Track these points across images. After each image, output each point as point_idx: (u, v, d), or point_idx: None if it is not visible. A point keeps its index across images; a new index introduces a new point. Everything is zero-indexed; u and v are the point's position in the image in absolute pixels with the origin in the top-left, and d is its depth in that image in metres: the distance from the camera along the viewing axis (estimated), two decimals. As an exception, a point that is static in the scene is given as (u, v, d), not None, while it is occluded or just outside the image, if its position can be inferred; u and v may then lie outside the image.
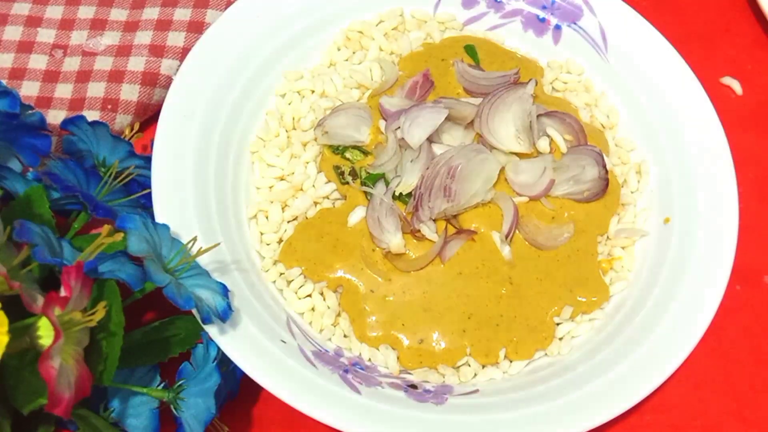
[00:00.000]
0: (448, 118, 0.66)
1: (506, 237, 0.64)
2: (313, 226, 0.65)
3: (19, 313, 0.45)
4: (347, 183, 0.66)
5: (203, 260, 0.57)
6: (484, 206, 0.65)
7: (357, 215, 0.64)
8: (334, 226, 0.64)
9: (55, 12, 0.78)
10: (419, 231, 0.63)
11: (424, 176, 0.63)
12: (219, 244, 0.59)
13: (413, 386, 0.59)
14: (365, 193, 0.65)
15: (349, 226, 0.64)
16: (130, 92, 0.72)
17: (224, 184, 0.65)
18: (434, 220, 0.64)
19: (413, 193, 0.64)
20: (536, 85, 0.68)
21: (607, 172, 0.67)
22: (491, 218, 0.65)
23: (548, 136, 0.68)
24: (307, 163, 0.67)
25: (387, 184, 0.65)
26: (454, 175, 0.63)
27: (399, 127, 0.66)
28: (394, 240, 0.63)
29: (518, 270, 0.64)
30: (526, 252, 0.64)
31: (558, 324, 0.64)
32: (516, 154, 0.67)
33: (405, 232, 0.63)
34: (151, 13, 0.77)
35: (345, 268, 0.63)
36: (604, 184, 0.67)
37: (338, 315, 0.63)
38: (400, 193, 0.64)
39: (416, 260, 0.63)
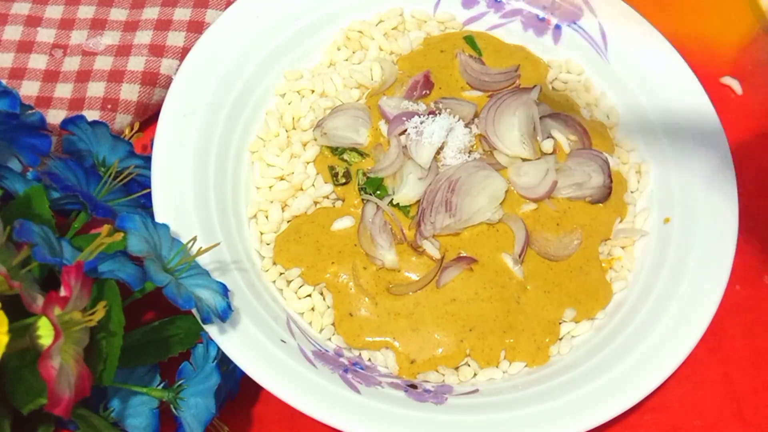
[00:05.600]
0: (448, 118, 0.66)
1: (519, 257, 0.63)
2: (290, 228, 0.65)
3: (19, 313, 0.45)
4: (340, 184, 0.66)
5: (203, 260, 0.57)
6: (490, 227, 0.65)
7: (343, 222, 0.64)
8: (314, 227, 0.64)
9: (54, 12, 0.78)
10: (421, 246, 0.63)
11: (427, 191, 0.63)
12: (219, 243, 0.59)
13: (413, 386, 0.59)
14: (361, 198, 0.65)
15: (331, 230, 0.64)
16: (130, 92, 0.72)
17: (224, 183, 0.65)
18: (436, 237, 0.64)
19: (417, 208, 0.64)
20: (540, 91, 0.69)
21: (611, 180, 0.67)
22: (499, 241, 0.64)
23: (552, 137, 0.68)
24: (307, 162, 0.67)
25: (385, 191, 0.65)
26: (454, 188, 0.63)
27: (402, 133, 0.66)
28: (389, 256, 0.62)
29: (530, 289, 0.64)
30: (537, 268, 0.64)
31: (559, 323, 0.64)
32: (520, 158, 0.67)
33: (401, 243, 0.63)
34: (150, 12, 0.77)
35: (335, 273, 0.63)
36: (607, 192, 0.67)
37: (338, 315, 0.63)
38: (398, 203, 0.64)
39: (410, 284, 0.62)
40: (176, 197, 0.61)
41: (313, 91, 0.71)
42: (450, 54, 0.73)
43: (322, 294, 0.63)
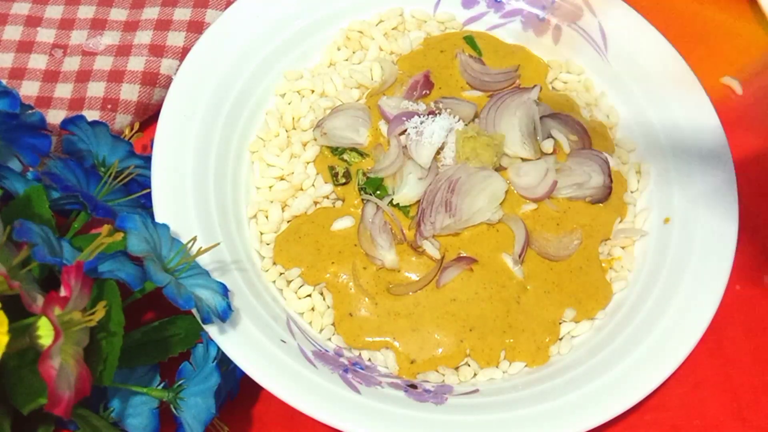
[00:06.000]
0: (448, 118, 0.66)
1: (519, 257, 0.63)
2: (290, 228, 0.65)
3: (19, 313, 0.45)
4: (340, 184, 0.66)
5: (203, 260, 0.57)
6: (490, 227, 0.65)
7: (342, 223, 0.64)
8: (314, 227, 0.64)
9: (54, 12, 0.78)
10: (421, 247, 0.63)
11: (427, 191, 0.63)
12: (219, 244, 0.59)
13: (413, 386, 0.59)
14: (361, 198, 0.65)
15: (331, 230, 0.64)
16: (130, 92, 0.72)
17: (224, 183, 0.65)
18: (436, 237, 0.64)
19: (417, 208, 0.64)
20: (540, 90, 0.69)
21: (611, 180, 0.67)
22: (499, 241, 0.64)
23: (552, 137, 0.68)
24: (307, 162, 0.67)
25: (385, 191, 0.65)
26: (454, 188, 0.63)
27: (401, 133, 0.66)
28: (389, 256, 0.62)
29: (530, 289, 0.63)
30: (537, 268, 0.64)
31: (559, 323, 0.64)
32: (520, 158, 0.67)
33: (401, 243, 0.63)
34: (150, 12, 0.77)
35: (335, 273, 0.63)
36: (608, 192, 0.67)
37: (338, 315, 0.63)
38: (398, 203, 0.64)
39: (410, 284, 0.62)
40: (176, 197, 0.61)
41: (313, 91, 0.71)
42: (450, 54, 0.73)
43: (322, 294, 0.63)
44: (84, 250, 0.51)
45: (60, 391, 0.44)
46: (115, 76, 0.73)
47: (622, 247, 0.68)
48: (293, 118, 0.70)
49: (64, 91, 0.73)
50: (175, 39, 0.75)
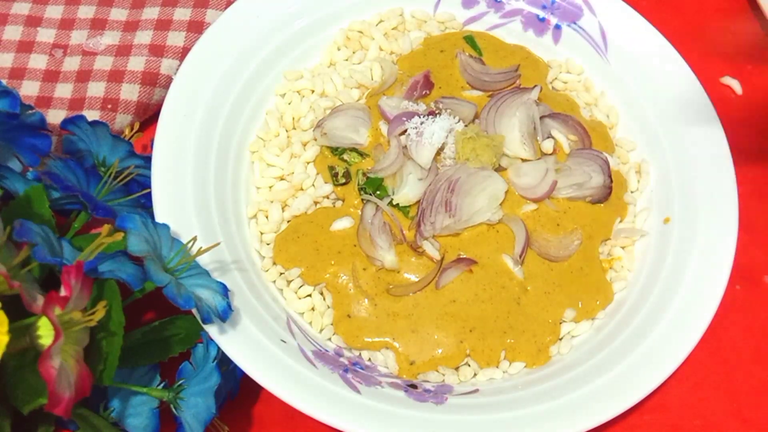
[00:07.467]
0: (448, 118, 0.66)
1: (519, 257, 0.63)
2: (289, 228, 0.65)
3: (19, 313, 0.45)
4: (340, 184, 0.66)
5: (203, 260, 0.57)
6: (490, 228, 0.65)
7: (342, 223, 0.64)
8: (313, 227, 0.64)
9: (55, 12, 0.78)
10: (421, 247, 0.63)
11: (427, 192, 0.63)
12: (219, 243, 0.59)
13: (413, 386, 0.59)
14: (361, 198, 0.65)
15: (331, 230, 0.64)
16: (130, 92, 0.72)
17: (224, 183, 0.65)
18: (436, 237, 0.64)
19: (417, 209, 0.64)
20: (541, 90, 0.69)
21: (611, 180, 0.67)
22: (499, 241, 0.64)
23: (552, 137, 0.68)
24: (307, 162, 0.67)
25: (385, 191, 0.65)
26: (454, 188, 0.63)
27: (402, 133, 0.66)
28: (388, 257, 0.62)
29: (530, 289, 0.63)
30: (537, 268, 0.64)
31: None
32: (520, 158, 0.67)
33: (401, 244, 0.63)
34: (151, 12, 0.77)
35: (335, 273, 0.63)
36: (608, 192, 0.67)
37: (338, 315, 0.63)
38: (397, 204, 0.64)
39: (409, 285, 0.62)
40: (176, 197, 0.61)
41: (313, 91, 0.72)
42: (450, 54, 0.73)
43: (322, 294, 0.63)
44: (84, 250, 0.51)
45: (60, 391, 0.44)
46: (115, 76, 0.73)
47: (622, 247, 0.68)
48: (293, 118, 0.70)
49: (64, 91, 0.73)
50: (175, 39, 0.75)
